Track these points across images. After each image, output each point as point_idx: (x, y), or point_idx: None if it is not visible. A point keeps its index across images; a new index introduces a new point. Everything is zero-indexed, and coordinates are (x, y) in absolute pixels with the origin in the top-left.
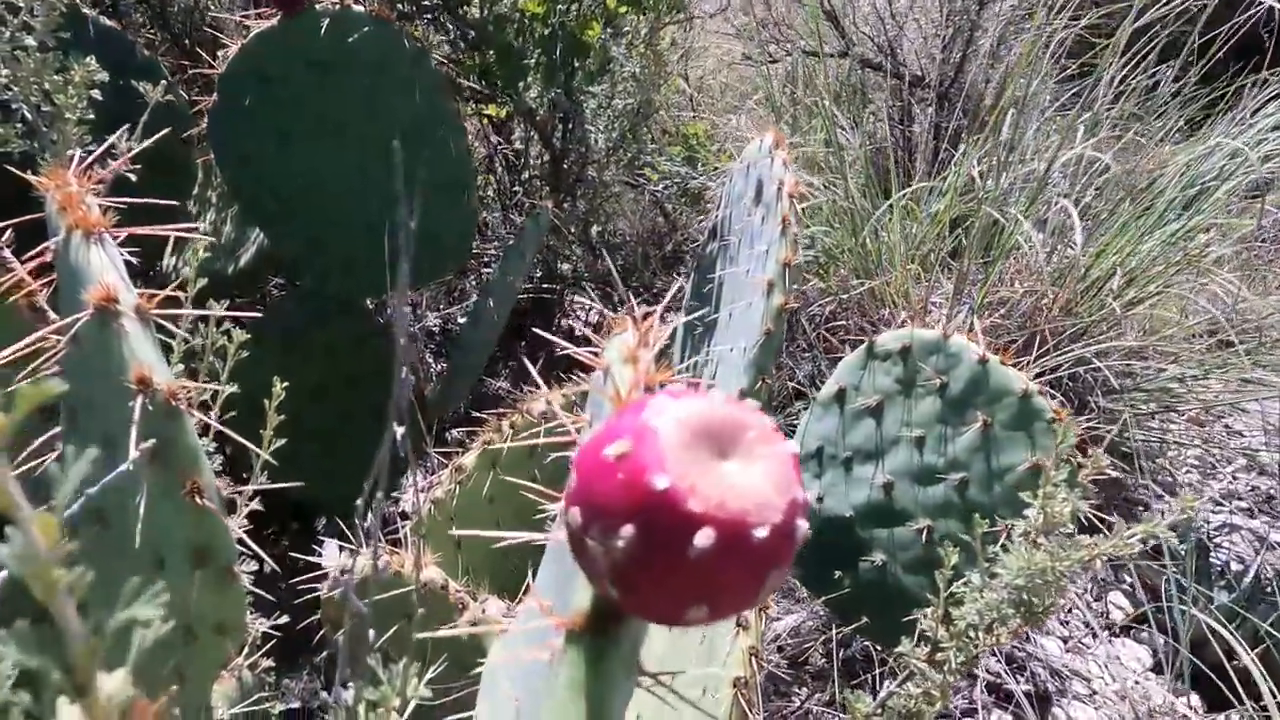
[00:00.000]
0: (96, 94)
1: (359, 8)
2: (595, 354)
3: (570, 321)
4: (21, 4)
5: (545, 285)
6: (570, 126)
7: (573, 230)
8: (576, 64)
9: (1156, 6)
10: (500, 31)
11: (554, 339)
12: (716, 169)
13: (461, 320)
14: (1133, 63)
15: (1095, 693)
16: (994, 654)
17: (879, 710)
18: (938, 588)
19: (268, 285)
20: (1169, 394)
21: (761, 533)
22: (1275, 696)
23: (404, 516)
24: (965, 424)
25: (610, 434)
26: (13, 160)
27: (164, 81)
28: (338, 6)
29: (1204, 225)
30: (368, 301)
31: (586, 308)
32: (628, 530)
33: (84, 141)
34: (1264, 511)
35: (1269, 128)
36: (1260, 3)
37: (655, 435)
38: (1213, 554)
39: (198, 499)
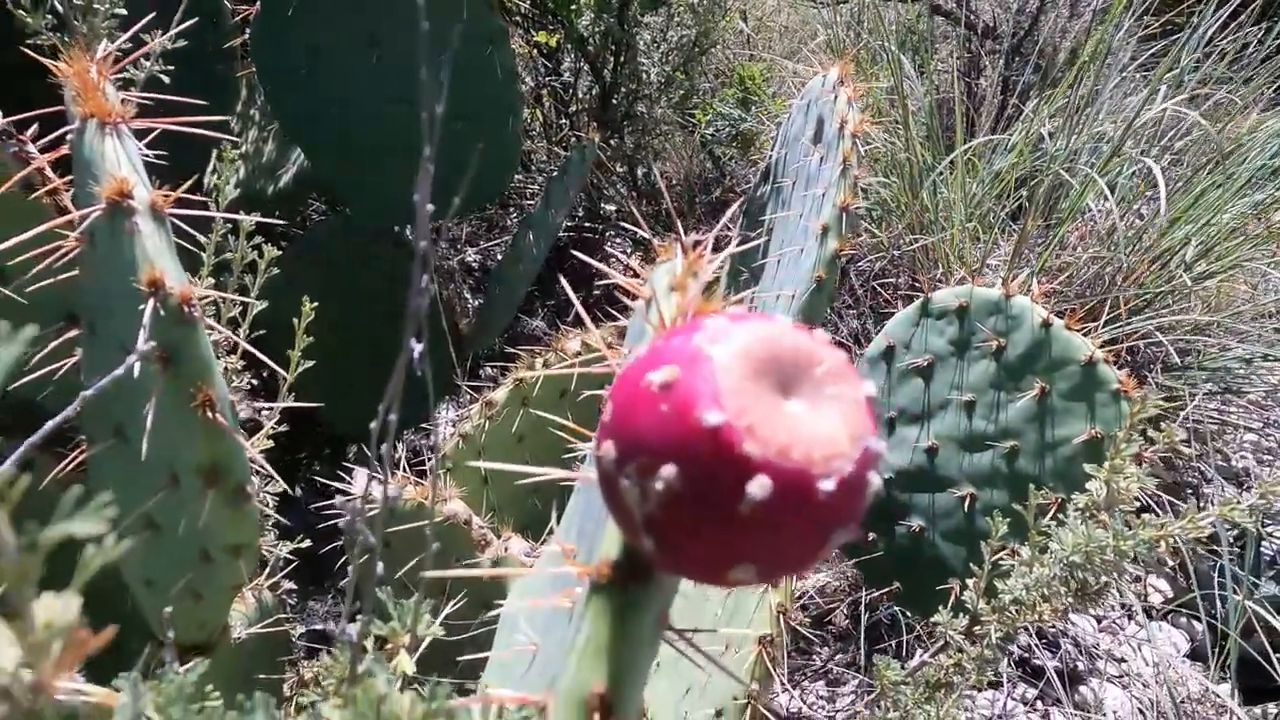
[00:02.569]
0: None
1: None
2: (639, 283)
3: (609, 261)
4: None
5: (587, 224)
6: (622, 59)
7: (619, 168)
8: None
9: None
10: None
11: (597, 266)
12: (771, 114)
13: (500, 256)
14: (1221, 20)
15: (1126, 674)
16: (1028, 629)
17: (907, 679)
18: (980, 558)
19: (307, 209)
20: (1231, 374)
21: (828, 485)
22: None
23: (433, 450)
24: (1021, 390)
25: (655, 358)
26: (43, 53)
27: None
28: None
29: None
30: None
31: (627, 249)
32: (669, 471)
33: (114, 36)
34: None
35: None
36: None
37: (709, 363)
38: (1264, 543)
39: (209, 413)
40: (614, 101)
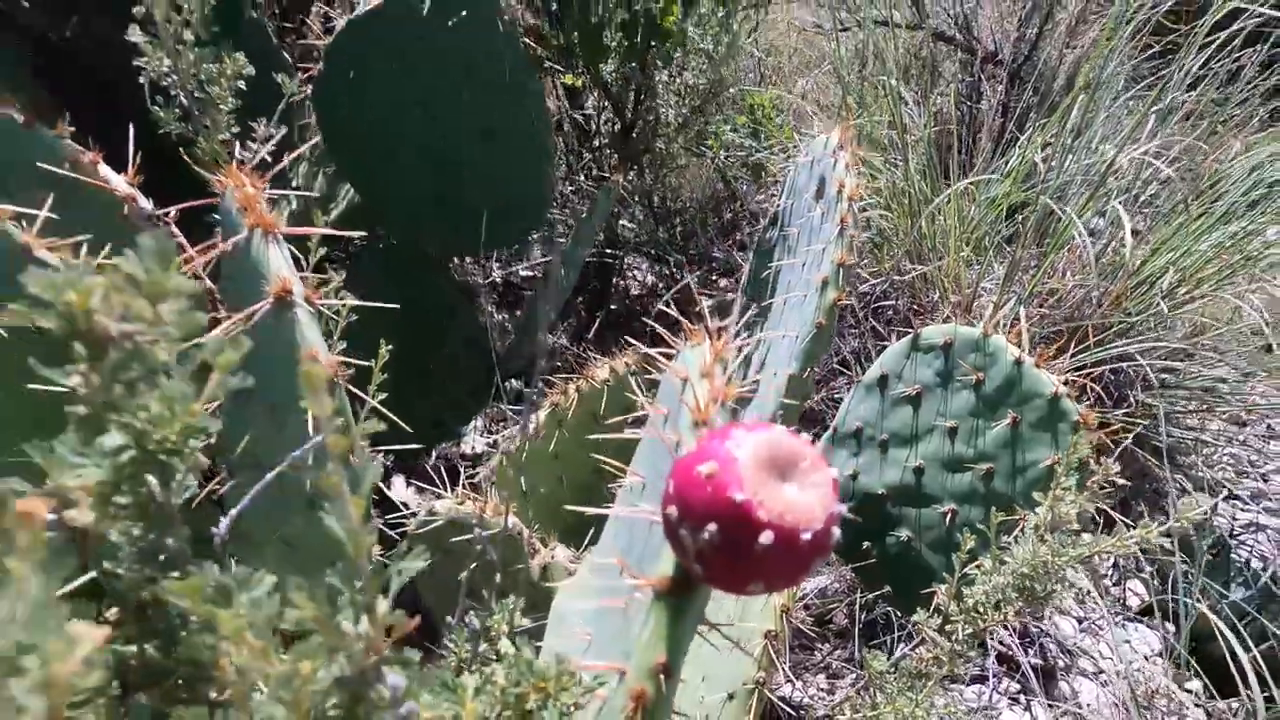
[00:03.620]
0: (241, 84)
1: None
2: (665, 333)
3: (627, 283)
4: (184, 3)
5: (608, 250)
6: (642, 99)
7: (637, 198)
8: (654, 44)
9: None
10: (585, 14)
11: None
12: (780, 144)
13: (523, 273)
14: (1217, 45)
15: (1102, 671)
16: (1008, 629)
17: (892, 669)
18: (953, 567)
19: (353, 239)
20: (1210, 393)
21: (807, 537)
22: (1266, 690)
23: (464, 458)
24: (996, 419)
25: (701, 455)
26: (170, 140)
27: (297, 76)
28: None
29: (1265, 228)
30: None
31: (643, 270)
32: (712, 528)
33: (229, 126)
34: None
35: None
36: None
37: (735, 462)
38: (1234, 551)
39: (351, 456)
40: (634, 136)
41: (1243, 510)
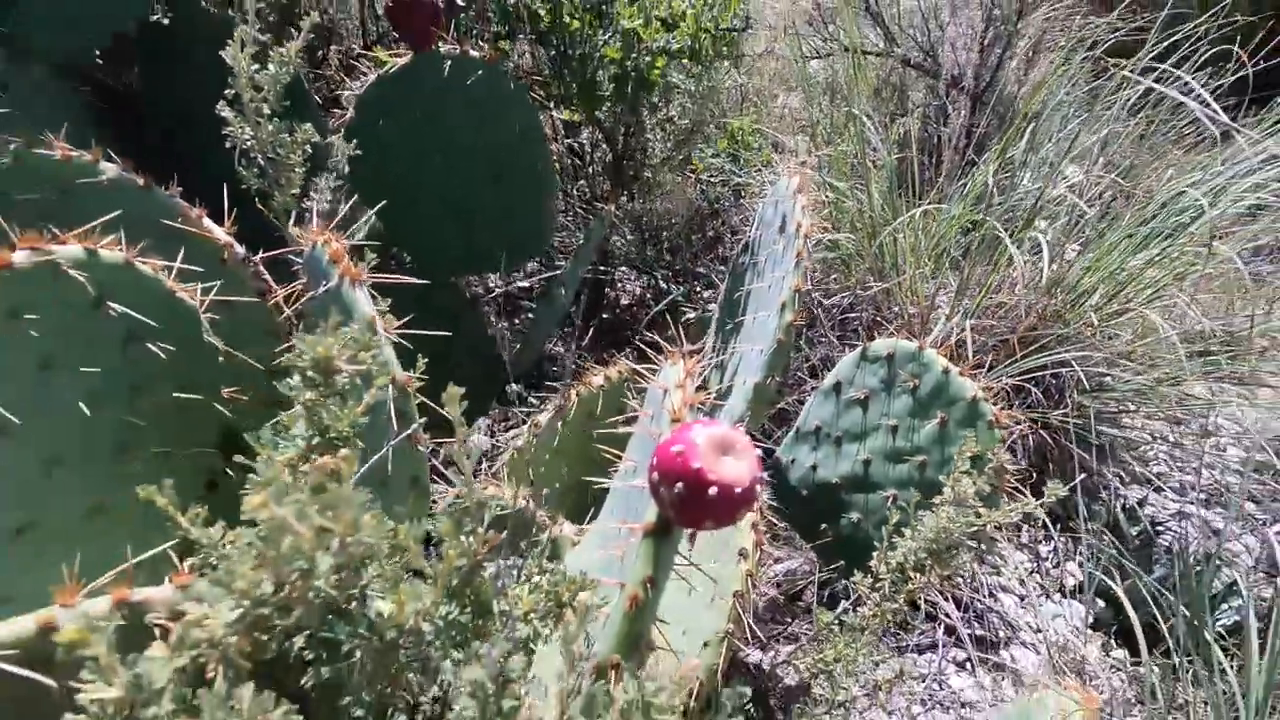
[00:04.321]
0: (309, 149)
1: (475, 53)
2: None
3: (618, 294)
4: (263, 85)
5: (602, 267)
6: (632, 134)
7: (627, 219)
8: (642, 92)
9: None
10: (583, 68)
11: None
12: (756, 165)
13: (521, 284)
14: (1168, 65)
15: (1040, 641)
16: (955, 603)
17: (838, 622)
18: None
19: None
20: (1140, 394)
21: (738, 490)
22: (1162, 653)
23: (488, 453)
24: (928, 419)
25: (674, 440)
26: (249, 194)
27: (354, 142)
28: (458, 51)
29: (1186, 247)
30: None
31: (632, 282)
32: (679, 486)
33: (298, 183)
34: (1216, 503)
35: (1263, 158)
36: None
37: (695, 445)
38: (1160, 537)
39: (419, 446)
40: (624, 165)
41: (1172, 501)
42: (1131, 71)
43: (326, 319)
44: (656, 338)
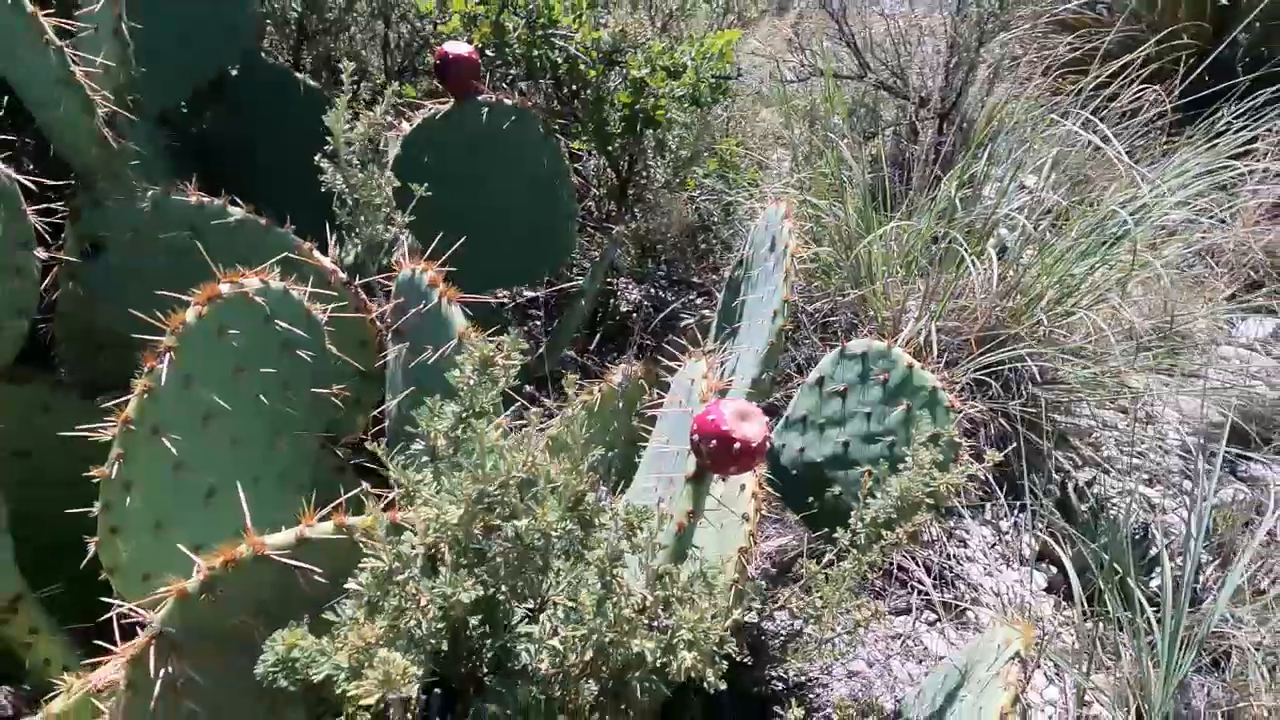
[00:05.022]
0: (389, 190)
1: (509, 101)
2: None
3: (618, 302)
4: (350, 143)
5: (608, 279)
6: (635, 161)
7: (628, 236)
8: (648, 130)
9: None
10: (597, 110)
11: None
12: (743, 185)
13: (529, 294)
14: (1119, 82)
15: (1002, 605)
16: (927, 571)
17: (823, 575)
18: (862, 503)
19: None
20: (1086, 386)
21: (754, 444)
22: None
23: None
24: (896, 405)
25: (709, 411)
26: (337, 227)
27: (424, 184)
28: (493, 99)
29: (1124, 256)
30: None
31: (631, 291)
32: (713, 442)
33: (384, 219)
34: (1157, 482)
35: (1196, 172)
36: (1236, 37)
37: (723, 414)
38: (1106, 511)
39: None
40: (627, 188)
41: (1118, 480)
42: (1081, 92)
43: (426, 331)
44: (657, 342)
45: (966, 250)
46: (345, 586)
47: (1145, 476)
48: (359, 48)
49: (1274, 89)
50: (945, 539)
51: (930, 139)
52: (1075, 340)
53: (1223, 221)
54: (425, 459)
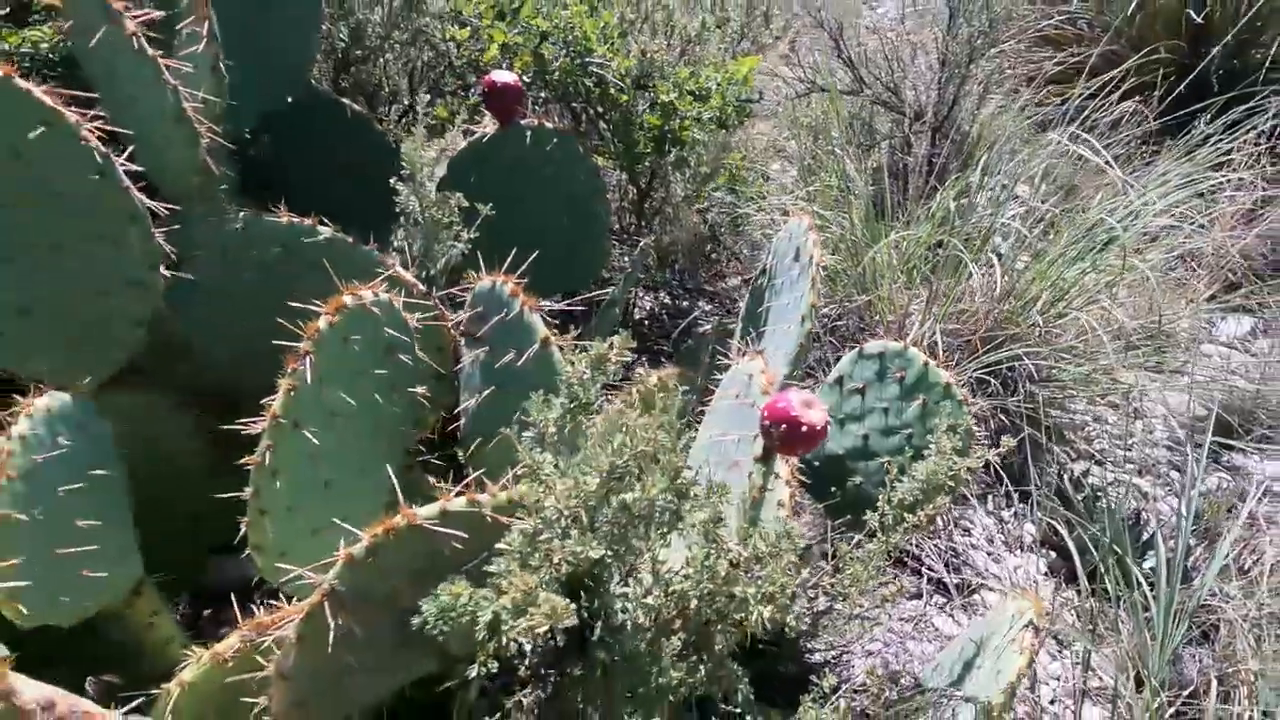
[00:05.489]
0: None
1: (549, 124)
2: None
3: (632, 309)
4: (426, 164)
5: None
6: (656, 177)
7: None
8: (675, 149)
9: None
10: (627, 130)
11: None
12: (751, 198)
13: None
14: (1104, 95)
15: (1005, 587)
16: (936, 557)
17: (853, 552)
18: (888, 489)
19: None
20: (1079, 383)
21: (818, 428)
22: (1101, 588)
23: None
24: (913, 401)
25: (778, 399)
26: (413, 250)
27: (489, 204)
28: (536, 123)
29: (1112, 260)
30: None
31: (645, 298)
32: (782, 426)
33: (453, 236)
34: (1146, 473)
35: (1177, 182)
36: (1211, 53)
37: (791, 401)
38: (1101, 500)
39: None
40: (647, 202)
41: (1110, 471)
42: (1066, 101)
43: (508, 337)
44: (675, 347)
45: (966, 256)
46: (497, 547)
47: (1136, 467)
48: (393, 73)
49: (1246, 106)
50: (952, 527)
51: (924, 151)
52: (1068, 340)
53: (1202, 227)
54: (534, 445)
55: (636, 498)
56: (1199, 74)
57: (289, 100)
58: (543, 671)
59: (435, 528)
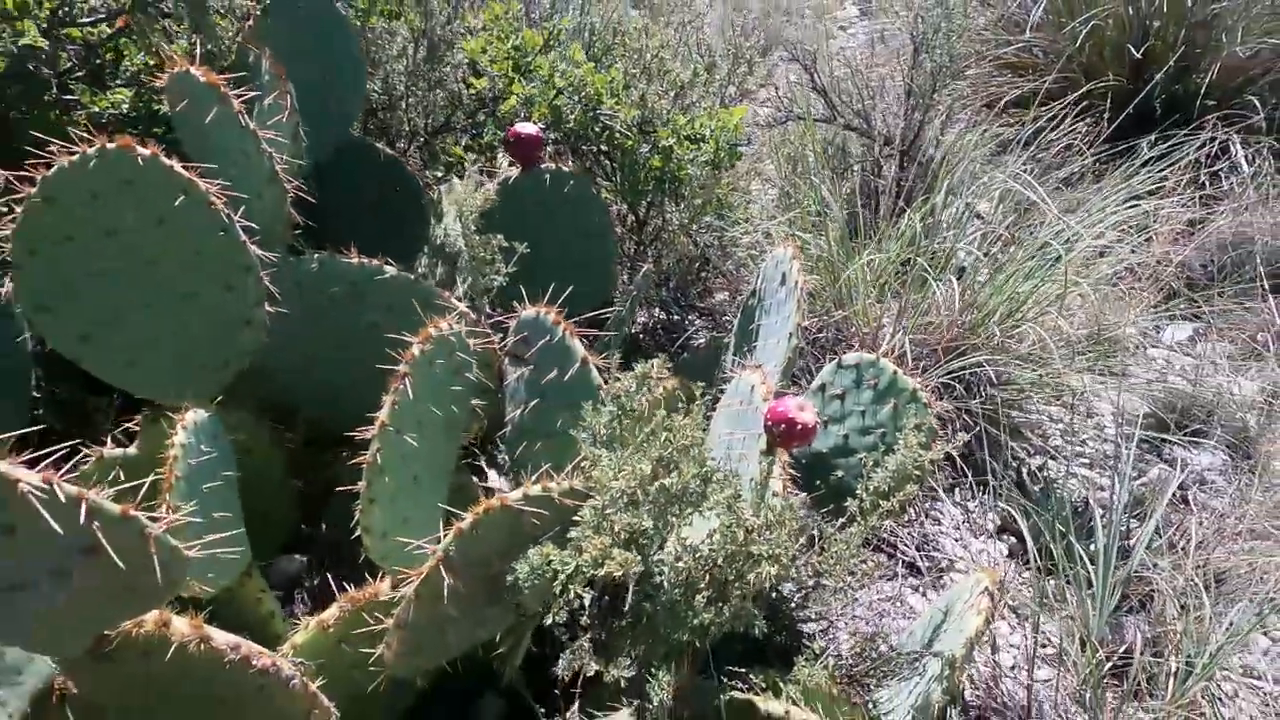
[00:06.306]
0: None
1: (566, 168)
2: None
3: (635, 327)
4: (472, 208)
5: None
6: (653, 208)
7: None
8: (673, 186)
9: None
10: (632, 171)
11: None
12: (735, 219)
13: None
14: (1058, 120)
15: (972, 569)
16: (908, 544)
17: (837, 535)
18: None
19: None
20: (1034, 386)
21: (810, 427)
22: (1051, 564)
23: None
24: (884, 404)
25: (779, 403)
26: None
27: (526, 244)
28: (554, 167)
29: (1060, 276)
30: None
31: (647, 315)
32: (783, 426)
33: (495, 271)
34: (1096, 466)
35: (1120, 201)
36: (1152, 78)
37: (789, 405)
38: (1058, 491)
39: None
40: (645, 229)
41: (1063, 465)
42: (1023, 124)
43: (551, 357)
44: (673, 359)
45: (931, 274)
46: (573, 519)
47: (1086, 461)
48: (413, 117)
49: (1185, 131)
50: (923, 518)
51: (893, 174)
52: (1023, 348)
53: (1144, 242)
54: (590, 442)
55: (673, 481)
56: (1142, 100)
57: (335, 149)
58: (598, 621)
59: (522, 507)
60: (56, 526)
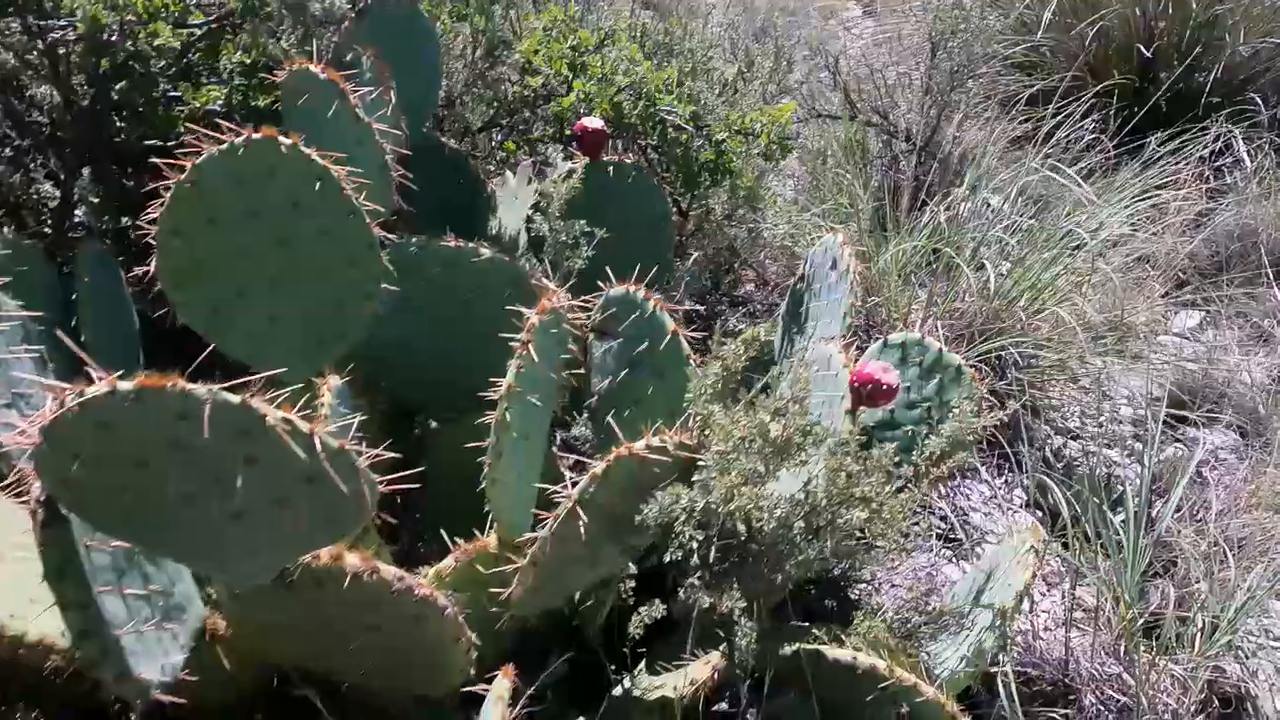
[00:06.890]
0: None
1: (628, 160)
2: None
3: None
4: (556, 197)
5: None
6: (697, 199)
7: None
8: (726, 178)
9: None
10: (687, 165)
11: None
12: (776, 212)
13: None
14: (1070, 117)
15: (999, 541)
16: (942, 520)
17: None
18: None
19: None
20: (1055, 368)
21: (894, 386)
22: (1080, 532)
23: None
24: (931, 379)
25: (864, 367)
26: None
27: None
28: (617, 159)
29: (1081, 263)
30: None
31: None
32: (868, 386)
33: (579, 255)
34: (1114, 445)
35: (1132, 195)
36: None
37: (875, 367)
38: (1079, 467)
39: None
40: (687, 220)
41: (1085, 445)
42: (1036, 120)
43: (641, 331)
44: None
45: (962, 263)
46: (700, 463)
47: (1106, 441)
48: (470, 112)
49: (1191, 127)
50: (954, 495)
51: (913, 169)
52: (1046, 332)
53: (1155, 234)
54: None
55: (789, 425)
56: (1150, 97)
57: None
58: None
59: (645, 455)
60: (302, 454)
